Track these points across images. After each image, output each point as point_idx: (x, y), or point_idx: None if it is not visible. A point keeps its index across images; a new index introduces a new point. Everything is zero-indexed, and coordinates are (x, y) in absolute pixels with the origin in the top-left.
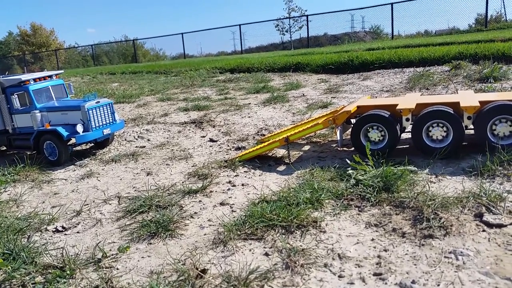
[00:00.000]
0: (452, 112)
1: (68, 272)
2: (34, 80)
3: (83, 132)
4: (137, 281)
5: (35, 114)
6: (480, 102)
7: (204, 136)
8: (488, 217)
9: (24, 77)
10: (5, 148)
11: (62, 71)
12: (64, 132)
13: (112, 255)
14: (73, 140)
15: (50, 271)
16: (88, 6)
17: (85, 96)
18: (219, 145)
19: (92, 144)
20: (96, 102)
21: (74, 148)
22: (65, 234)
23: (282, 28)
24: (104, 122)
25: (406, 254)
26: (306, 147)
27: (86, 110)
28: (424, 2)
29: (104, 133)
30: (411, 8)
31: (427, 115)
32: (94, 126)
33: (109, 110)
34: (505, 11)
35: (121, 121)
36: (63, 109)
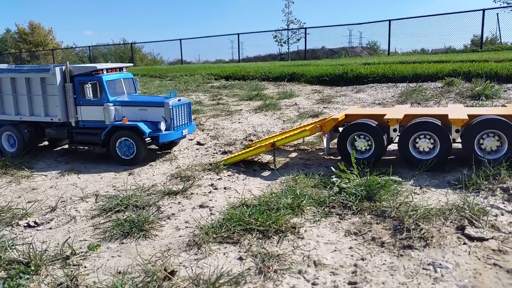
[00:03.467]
0: (440, 124)
1: (32, 268)
2: (107, 70)
3: (165, 130)
4: (103, 280)
5: (108, 107)
6: (468, 115)
7: (191, 139)
8: (470, 230)
9: (98, 65)
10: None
11: (131, 64)
12: (146, 129)
13: (82, 252)
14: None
15: (14, 266)
16: (87, 9)
17: (166, 93)
18: (205, 148)
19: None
20: (178, 100)
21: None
22: (37, 230)
23: (280, 39)
24: (183, 122)
25: (383, 264)
26: (293, 154)
27: (170, 107)
28: (421, 20)
29: (183, 134)
30: (408, 26)
31: (415, 126)
32: (175, 125)
33: (187, 110)
34: (500, 33)
35: (194, 123)
36: (142, 105)
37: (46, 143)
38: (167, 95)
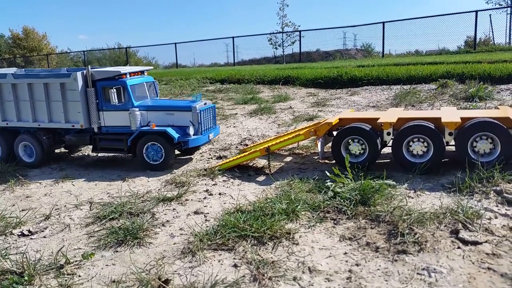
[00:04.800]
0: (433, 127)
1: (26, 278)
2: (130, 74)
3: (193, 135)
4: None
5: (134, 113)
6: (461, 118)
7: None
8: (464, 234)
9: (122, 69)
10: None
11: (152, 67)
12: (175, 135)
13: (76, 261)
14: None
15: (8, 276)
16: (80, 13)
17: (192, 97)
18: (200, 153)
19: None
20: (204, 104)
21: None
22: (31, 239)
23: (275, 42)
24: (209, 126)
25: (378, 269)
26: (288, 158)
27: (198, 111)
28: (415, 22)
29: (209, 138)
30: (402, 28)
31: (408, 129)
32: (203, 129)
33: (212, 114)
34: (493, 34)
35: (218, 127)
36: (169, 109)
37: (62, 150)
38: (193, 99)
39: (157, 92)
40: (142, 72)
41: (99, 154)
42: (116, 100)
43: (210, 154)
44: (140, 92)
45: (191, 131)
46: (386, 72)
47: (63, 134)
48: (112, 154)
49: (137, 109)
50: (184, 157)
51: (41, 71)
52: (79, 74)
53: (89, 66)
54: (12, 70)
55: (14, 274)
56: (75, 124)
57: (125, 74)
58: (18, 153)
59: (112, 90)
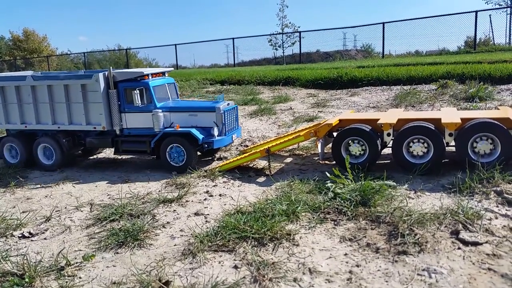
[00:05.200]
0: (433, 128)
1: (27, 280)
2: (152, 75)
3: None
4: None
5: (157, 114)
6: (461, 119)
7: None
8: (464, 235)
9: (145, 70)
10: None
11: (172, 68)
12: (199, 136)
13: (77, 263)
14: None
15: (8, 278)
16: (80, 15)
17: (215, 98)
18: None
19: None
20: (227, 105)
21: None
22: (31, 240)
23: (275, 43)
24: (232, 127)
25: (378, 270)
26: (289, 159)
27: (222, 112)
28: (415, 23)
29: (233, 139)
30: (402, 29)
31: (408, 130)
32: (226, 130)
33: (235, 114)
34: (493, 35)
35: (240, 127)
36: (192, 110)
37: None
38: (216, 100)
39: (177, 93)
40: (163, 73)
41: (99, 156)
42: (139, 102)
43: (210, 155)
44: (162, 93)
45: (215, 132)
46: (386, 72)
47: (82, 136)
48: (114, 156)
49: (160, 110)
50: (206, 159)
51: (60, 73)
52: (101, 75)
53: (111, 67)
54: (29, 72)
55: (15, 276)
56: (96, 126)
57: (147, 75)
58: (38, 156)
59: (135, 91)
